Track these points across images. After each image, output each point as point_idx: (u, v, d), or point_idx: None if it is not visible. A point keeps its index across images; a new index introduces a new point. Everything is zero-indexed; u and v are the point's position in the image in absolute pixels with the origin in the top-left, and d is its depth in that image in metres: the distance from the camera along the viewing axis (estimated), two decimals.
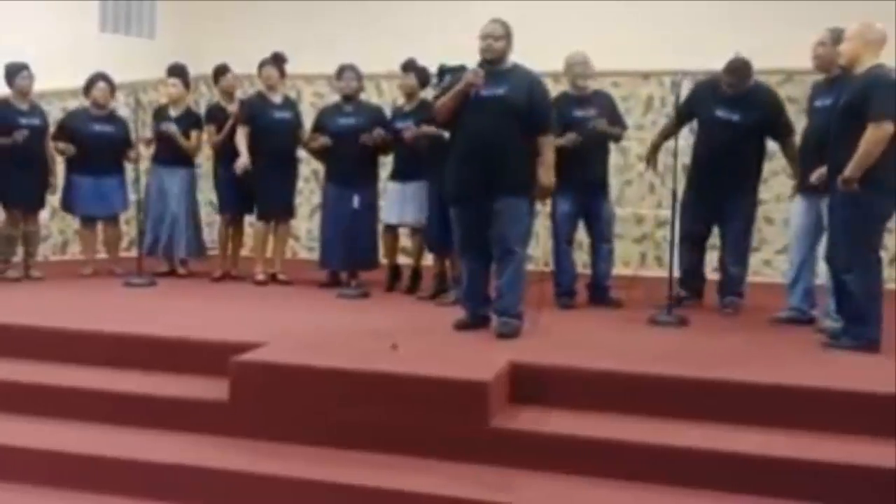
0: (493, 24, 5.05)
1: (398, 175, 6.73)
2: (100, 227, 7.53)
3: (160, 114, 7.43)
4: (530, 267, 6.57)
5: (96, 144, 7.17)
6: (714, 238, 6.22)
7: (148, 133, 7.56)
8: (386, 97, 8.03)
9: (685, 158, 6.12)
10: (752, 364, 4.45)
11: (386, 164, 7.07)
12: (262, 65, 7.05)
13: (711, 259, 6.47)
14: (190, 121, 7.38)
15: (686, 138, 6.34)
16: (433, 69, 6.41)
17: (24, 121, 6.86)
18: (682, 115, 6.05)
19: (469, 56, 5.23)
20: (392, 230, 6.87)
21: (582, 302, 6.18)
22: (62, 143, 7.16)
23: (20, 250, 7.10)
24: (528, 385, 4.16)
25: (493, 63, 5.02)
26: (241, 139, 6.90)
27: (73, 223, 8.15)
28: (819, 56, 5.37)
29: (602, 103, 6.25)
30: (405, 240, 7.05)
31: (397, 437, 3.89)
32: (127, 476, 3.88)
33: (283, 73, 7.12)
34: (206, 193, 8.00)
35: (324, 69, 7.29)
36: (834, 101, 5.03)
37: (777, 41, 6.86)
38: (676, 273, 5.89)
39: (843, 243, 4.72)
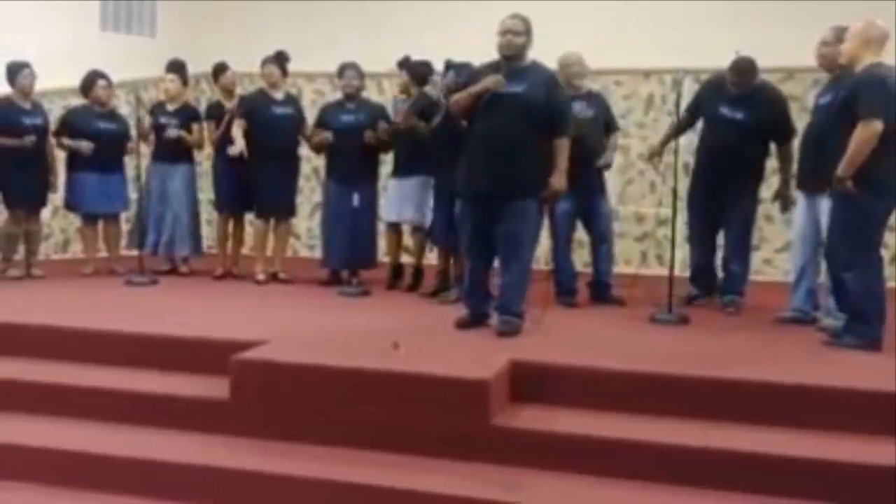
0: (513, 20, 4.97)
1: (398, 172, 6.73)
2: (100, 225, 7.53)
3: (157, 109, 7.43)
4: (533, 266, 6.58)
5: (101, 142, 7.17)
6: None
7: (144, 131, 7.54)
8: (387, 95, 8.02)
9: (686, 156, 6.12)
10: (753, 363, 4.44)
11: (387, 161, 7.08)
12: (264, 62, 7.05)
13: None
14: (188, 115, 7.38)
15: (687, 136, 6.35)
16: (435, 66, 6.42)
17: (27, 120, 6.88)
18: (692, 111, 6.05)
19: (470, 54, 5.23)
20: (395, 228, 6.88)
21: (583, 300, 6.19)
22: (66, 139, 7.16)
23: (21, 249, 7.11)
24: (529, 383, 4.16)
25: (512, 59, 4.97)
26: (237, 129, 6.89)
27: (75, 221, 8.15)
28: (823, 55, 5.37)
29: (598, 103, 6.26)
30: (406, 237, 7.04)
31: (398, 436, 3.90)
32: (126, 474, 3.89)
33: (285, 72, 7.12)
34: (207, 191, 8.00)
35: (325, 67, 7.29)
36: (832, 100, 5.06)
37: (778, 39, 6.87)
38: (678, 272, 5.89)
39: (842, 242, 4.73)
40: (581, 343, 4.89)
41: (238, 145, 6.83)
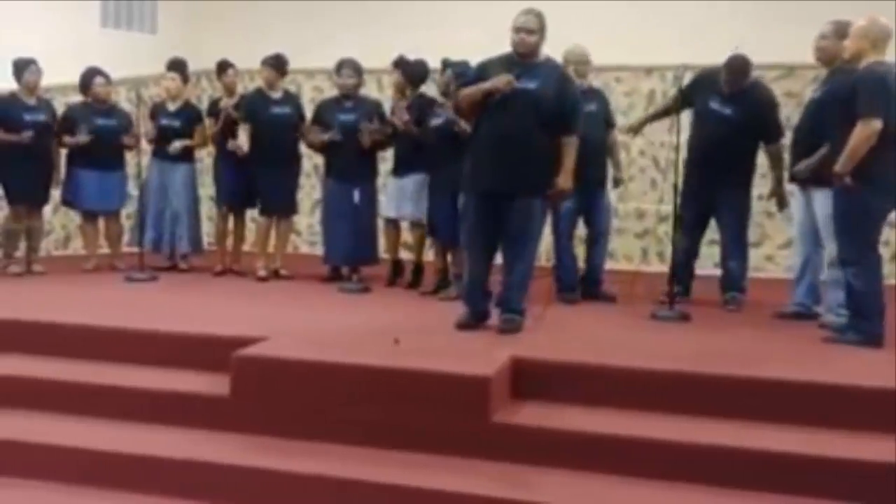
0: (526, 16, 4.90)
1: (397, 169, 6.73)
2: (101, 222, 7.53)
3: (158, 110, 7.43)
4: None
5: (99, 139, 7.17)
6: (714, 233, 6.22)
7: (147, 127, 7.55)
8: (387, 92, 8.01)
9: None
10: (754, 359, 4.45)
11: (387, 158, 7.07)
12: (263, 64, 7.05)
13: (713, 254, 6.47)
14: (189, 115, 7.37)
15: (687, 132, 6.34)
16: (433, 64, 6.42)
17: (28, 116, 6.88)
18: (685, 96, 6.01)
19: (470, 51, 5.21)
20: (394, 224, 6.88)
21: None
22: (67, 137, 7.15)
23: (22, 245, 7.10)
24: (531, 380, 4.16)
25: (525, 57, 4.92)
26: (243, 134, 6.92)
27: (75, 218, 8.15)
28: (822, 48, 5.38)
29: (599, 99, 6.28)
30: (406, 234, 7.04)
31: (399, 433, 3.90)
32: (126, 470, 3.89)
33: (282, 74, 7.12)
34: (208, 188, 8.00)
35: (324, 64, 7.29)
36: (825, 94, 5.13)
37: (778, 35, 6.87)
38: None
39: (841, 237, 4.75)
40: (582, 340, 4.90)
41: (241, 140, 6.85)
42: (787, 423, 3.81)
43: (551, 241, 6.24)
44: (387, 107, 7.06)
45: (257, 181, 6.98)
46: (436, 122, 6.12)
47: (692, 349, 4.65)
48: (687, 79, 5.92)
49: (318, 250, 7.21)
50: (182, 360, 4.54)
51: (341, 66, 6.88)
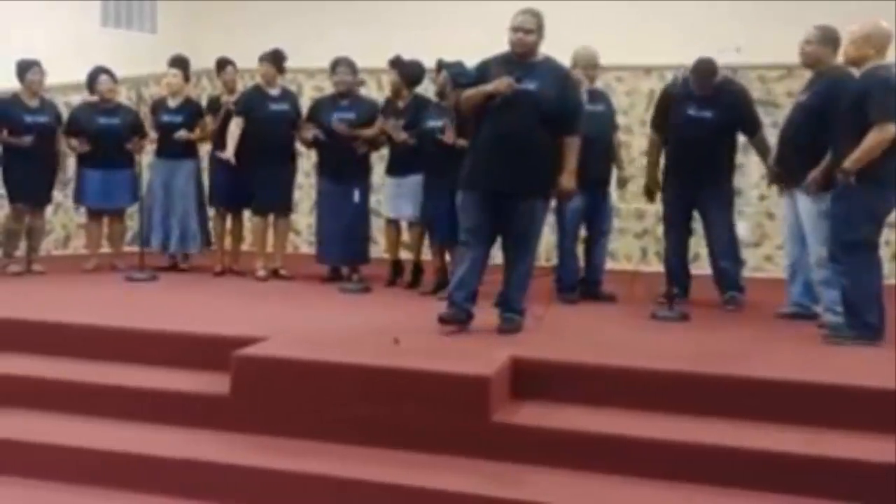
0: (524, 16, 4.87)
1: (393, 169, 6.75)
2: (105, 221, 7.54)
3: (158, 106, 7.43)
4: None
5: (102, 137, 7.17)
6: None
7: (149, 128, 7.56)
8: (387, 91, 8.02)
9: None
10: (754, 359, 4.45)
11: (382, 155, 7.08)
12: (260, 60, 7.05)
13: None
14: (190, 110, 7.37)
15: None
16: (430, 63, 6.42)
17: (29, 118, 6.89)
18: (660, 125, 6.06)
19: (471, 50, 5.20)
20: (395, 225, 6.88)
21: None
22: (74, 140, 7.18)
23: (23, 244, 7.10)
24: (530, 380, 4.16)
25: (523, 56, 4.91)
26: (234, 129, 6.89)
27: (76, 218, 8.17)
28: (807, 53, 5.44)
29: (605, 99, 6.30)
30: (404, 233, 7.05)
31: (399, 432, 3.90)
32: (126, 470, 3.89)
33: (281, 70, 7.12)
34: None
35: (324, 63, 7.27)
36: (815, 98, 5.22)
37: (778, 36, 6.85)
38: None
39: (836, 236, 4.77)
40: (582, 340, 4.90)
41: (228, 152, 6.86)
42: (787, 423, 3.81)
43: (551, 240, 6.24)
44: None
45: (252, 179, 6.96)
46: (432, 123, 6.14)
47: (692, 349, 4.65)
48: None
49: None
50: (182, 359, 4.54)
51: (336, 64, 6.88)
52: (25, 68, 6.91)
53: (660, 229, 7.82)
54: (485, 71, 4.95)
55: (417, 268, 6.73)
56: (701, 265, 6.37)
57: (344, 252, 6.72)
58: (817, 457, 3.56)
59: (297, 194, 7.61)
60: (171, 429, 4.14)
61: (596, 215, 6.24)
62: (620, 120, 7.04)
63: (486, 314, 5.03)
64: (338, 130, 6.61)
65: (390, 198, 6.79)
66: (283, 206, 7.19)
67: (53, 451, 4.00)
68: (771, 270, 7.53)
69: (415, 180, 6.45)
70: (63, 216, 8.24)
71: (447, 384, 3.94)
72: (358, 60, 7.00)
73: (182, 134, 7.19)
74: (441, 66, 6.04)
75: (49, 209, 7.50)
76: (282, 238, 7.31)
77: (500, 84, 4.79)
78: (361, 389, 4.00)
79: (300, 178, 7.78)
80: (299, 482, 3.71)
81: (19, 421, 4.25)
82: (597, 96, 6.21)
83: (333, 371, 4.09)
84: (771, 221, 7.51)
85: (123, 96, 7.76)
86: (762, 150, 6.00)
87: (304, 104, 7.46)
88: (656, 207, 7.57)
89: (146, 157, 7.34)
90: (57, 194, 7.43)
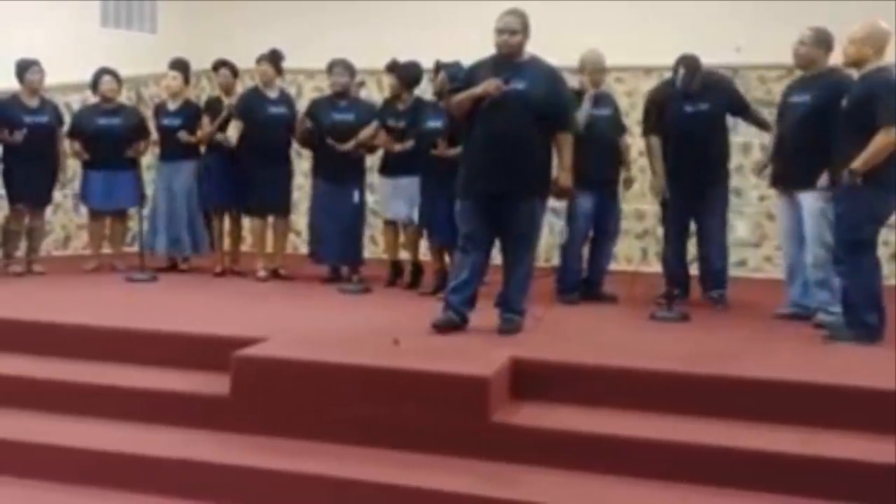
0: (508, 17, 4.87)
1: (387, 170, 6.76)
2: (107, 221, 7.55)
3: (159, 110, 7.44)
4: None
5: (102, 138, 7.18)
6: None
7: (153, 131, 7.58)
8: (387, 92, 8.02)
9: None
10: (754, 360, 4.45)
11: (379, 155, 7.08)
12: (258, 60, 7.06)
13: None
14: (189, 113, 7.36)
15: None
16: (428, 64, 6.42)
17: (28, 118, 6.89)
18: (654, 126, 6.03)
19: (472, 51, 5.20)
20: (393, 225, 6.88)
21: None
22: (77, 145, 7.20)
23: (23, 245, 7.11)
24: (530, 381, 4.16)
25: (510, 57, 4.90)
26: (234, 131, 6.89)
27: (76, 218, 8.18)
28: (801, 55, 5.48)
29: (612, 102, 6.33)
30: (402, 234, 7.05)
31: (398, 433, 3.90)
32: (126, 470, 3.89)
33: (279, 71, 7.12)
34: None
35: (325, 63, 7.28)
36: (812, 99, 5.25)
37: (778, 36, 6.85)
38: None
39: (839, 236, 4.77)
40: (582, 340, 4.90)
41: (230, 133, 6.85)
42: (786, 424, 3.81)
43: (550, 241, 6.24)
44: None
45: (250, 180, 6.96)
46: (431, 124, 6.14)
47: (692, 350, 4.65)
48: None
49: None
50: (182, 360, 4.54)
51: (333, 65, 6.90)
52: (24, 68, 6.91)
53: (659, 230, 7.84)
54: (473, 75, 4.96)
55: (417, 268, 6.73)
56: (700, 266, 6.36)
57: (340, 252, 6.73)
58: (815, 457, 3.56)
59: (296, 195, 7.62)
60: (170, 429, 4.14)
61: (603, 217, 6.23)
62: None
63: (486, 314, 5.03)
64: (338, 150, 6.60)
65: (385, 199, 6.80)
66: (281, 207, 7.19)
67: (53, 451, 4.00)
68: (770, 271, 7.53)
69: (409, 181, 6.45)
70: (63, 217, 8.24)
71: (447, 384, 3.94)
72: (358, 61, 7.00)
73: (183, 135, 7.19)
74: (439, 66, 6.04)
75: (49, 210, 7.50)
76: (281, 239, 7.32)
77: (489, 85, 4.78)
78: (361, 390, 4.01)
79: (300, 179, 7.79)
80: (299, 482, 3.71)
81: (19, 421, 4.25)
82: (603, 100, 6.22)
83: (333, 371, 4.09)
84: (771, 222, 7.50)
85: (123, 97, 7.75)
86: (760, 122, 6.09)
87: (304, 105, 7.46)
88: (656, 208, 7.60)
89: (146, 158, 7.33)
90: (57, 195, 7.43)
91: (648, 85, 8.01)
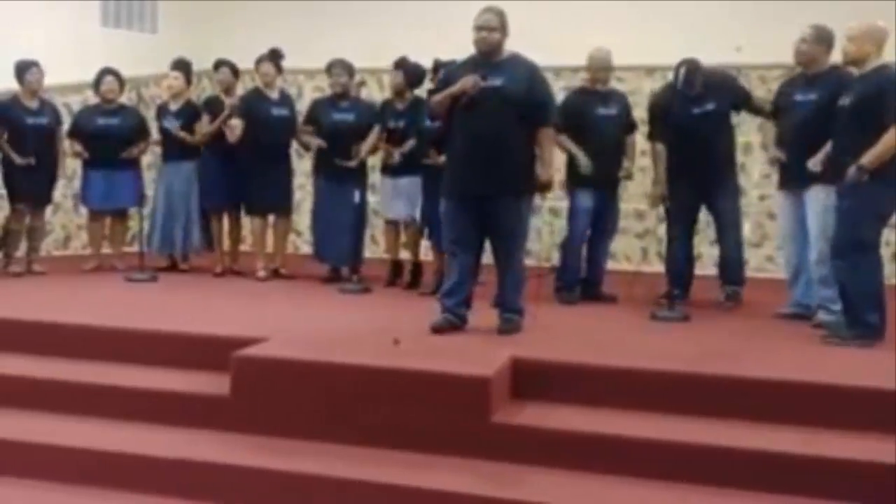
0: (486, 14, 4.85)
1: (388, 170, 6.76)
2: (107, 221, 7.55)
3: (162, 111, 7.44)
4: (531, 262, 6.57)
5: (101, 138, 7.18)
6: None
7: (153, 132, 7.58)
8: (387, 91, 8.02)
9: None
10: (753, 360, 4.44)
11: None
12: (258, 61, 7.06)
13: (714, 254, 6.46)
14: (190, 113, 7.36)
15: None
16: (428, 64, 6.42)
17: (30, 120, 6.90)
18: (660, 132, 6.00)
19: (472, 51, 5.19)
20: (394, 225, 6.88)
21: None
22: (77, 145, 7.20)
23: (23, 245, 7.11)
24: (531, 380, 4.16)
25: (489, 55, 4.88)
26: (235, 127, 6.86)
27: (76, 218, 8.18)
28: (803, 52, 5.46)
29: (620, 101, 6.31)
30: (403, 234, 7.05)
31: (399, 433, 3.89)
32: (126, 470, 3.88)
33: (279, 70, 7.13)
34: None
35: (324, 64, 7.29)
36: (819, 98, 5.21)
37: (778, 36, 6.84)
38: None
39: (842, 233, 4.75)
40: (582, 340, 4.89)
41: (235, 123, 6.83)
42: (787, 424, 3.81)
43: (548, 240, 6.24)
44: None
45: (251, 180, 6.96)
46: (431, 123, 6.14)
47: (692, 349, 4.65)
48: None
49: None
50: (182, 360, 4.54)
51: (332, 66, 6.90)
52: (24, 69, 6.91)
53: (660, 229, 7.84)
54: (453, 74, 4.95)
55: (417, 268, 6.73)
56: (702, 266, 6.36)
57: (340, 252, 6.72)
58: (815, 457, 3.55)
59: (297, 195, 7.61)
60: (171, 429, 4.14)
61: (602, 215, 6.23)
62: None
63: (485, 314, 5.03)
64: (346, 165, 6.62)
65: (386, 198, 6.80)
66: (282, 206, 7.19)
67: (53, 451, 3.99)
68: (771, 270, 7.52)
69: (410, 181, 6.45)
70: (63, 216, 8.24)
71: (447, 384, 3.93)
72: (358, 61, 7.00)
73: (175, 128, 7.18)
74: (437, 65, 6.05)
75: (49, 209, 7.50)
76: (282, 238, 7.31)
77: (466, 83, 4.76)
78: (361, 390, 4.00)
79: (301, 179, 7.78)
80: (299, 482, 3.71)
81: (19, 421, 4.24)
82: (609, 99, 6.20)
83: (333, 371, 4.09)
84: (771, 221, 7.49)
85: (124, 97, 7.75)
86: (760, 110, 6.01)
87: (304, 105, 7.46)
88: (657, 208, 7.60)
89: (147, 158, 7.33)
90: (57, 195, 7.43)
91: (650, 85, 8.04)
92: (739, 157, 6.28)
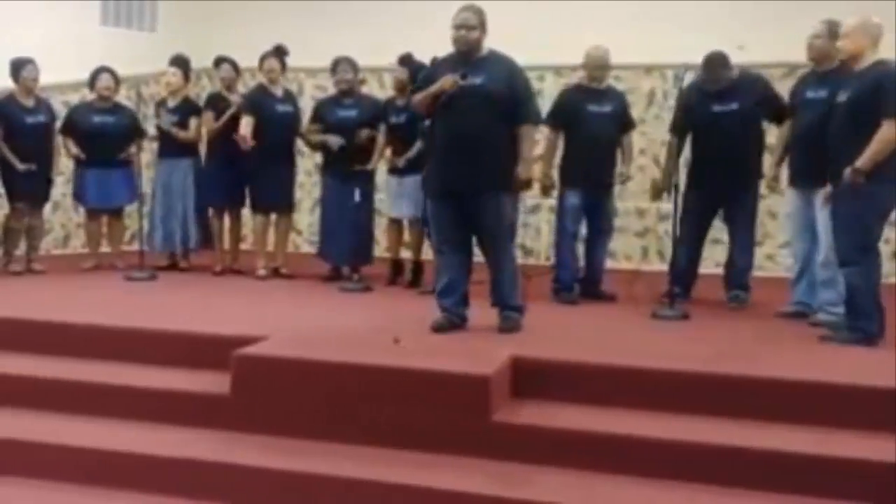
0: (465, 13, 4.85)
1: (395, 169, 6.74)
2: (105, 220, 7.54)
3: (160, 108, 7.43)
4: (531, 261, 6.57)
5: (97, 136, 7.17)
6: (717, 233, 6.21)
7: (150, 128, 7.57)
8: (389, 89, 8.02)
9: (686, 152, 6.11)
10: (756, 359, 4.43)
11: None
12: (263, 57, 7.05)
13: (714, 254, 6.46)
14: (188, 110, 7.35)
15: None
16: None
17: (29, 119, 6.89)
18: (681, 127, 5.98)
19: None
20: (396, 224, 6.88)
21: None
22: (71, 144, 7.19)
23: (22, 244, 7.10)
24: (531, 379, 4.15)
25: (468, 54, 4.87)
26: (247, 127, 6.84)
27: (75, 217, 8.17)
28: (816, 48, 5.41)
29: (616, 99, 6.28)
30: (405, 233, 7.04)
31: (399, 432, 3.89)
32: (126, 469, 3.88)
33: (284, 66, 7.12)
34: None
35: (326, 62, 7.30)
36: (830, 95, 5.08)
37: (778, 36, 6.86)
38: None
39: (844, 236, 4.73)
40: (582, 339, 4.89)
41: (245, 131, 6.80)
42: (788, 423, 3.80)
43: (550, 240, 6.23)
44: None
45: (254, 178, 6.96)
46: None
47: (693, 349, 4.64)
48: (688, 78, 5.90)
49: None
50: (182, 359, 4.53)
51: (337, 63, 6.90)
52: (19, 66, 6.89)
53: (660, 228, 7.87)
54: (433, 73, 4.96)
55: (418, 267, 6.73)
56: (703, 266, 6.34)
57: (347, 251, 6.72)
58: (822, 456, 3.54)
59: (298, 193, 7.61)
60: (171, 428, 4.13)
61: (596, 214, 6.22)
62: None
63: (485, 313, 5.02)
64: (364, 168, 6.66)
65: (391, 197, 6.80)
66: (285, 205, 7.19)
67: (53, 450, 3.99)
68: (772, 269, 7.53)
69: (415, 179, 6.44)
70: (62, 215, 8.24)
71: (448, 384, 3.93)
72: (359, 59, 6.99)
73: (166, 122, 7.16)
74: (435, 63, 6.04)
75: (48, 208, 7.50)
76: (283, 237, 7.31)
77: (445, 81, 4.77)
78: (361, 389, 4.00)
79: (301, 177, 7.80)
80: (299, 482, 3.71)
81: (19, 420, 4.24)
82: (604, 97, 6.19)
83: (334, 370, 4.08)
84: (772, 220, 7.50)
85: (123, 96, 7.75)
86: (782, 119, 5.76)
87: (305, 103, 7.45)
88: (657, 206, 7.61)
89: (145, 156, 7.32)
90: (56, 193, 7.43)
91: (649, 83, 8.06)
92: None
